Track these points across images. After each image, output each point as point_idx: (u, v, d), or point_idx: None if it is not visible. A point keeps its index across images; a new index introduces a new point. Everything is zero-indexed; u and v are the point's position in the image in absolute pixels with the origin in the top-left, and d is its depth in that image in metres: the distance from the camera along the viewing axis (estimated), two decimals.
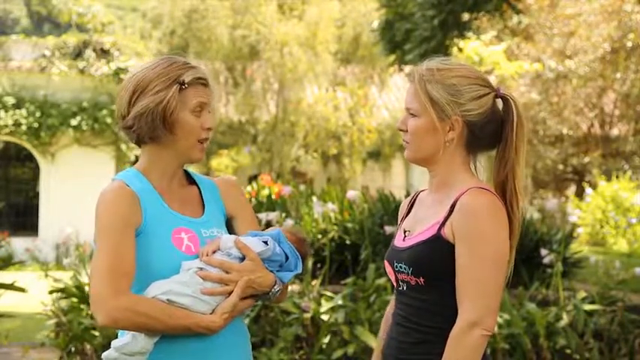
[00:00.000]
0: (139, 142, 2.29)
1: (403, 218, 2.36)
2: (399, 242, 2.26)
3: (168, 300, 2.11)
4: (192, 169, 2.46)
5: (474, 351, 2.04)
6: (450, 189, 2.19)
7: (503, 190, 2.20)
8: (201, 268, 2.17)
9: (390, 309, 2.37)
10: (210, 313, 2.15)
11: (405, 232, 2.27)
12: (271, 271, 2.24)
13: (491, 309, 2.06)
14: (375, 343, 5.44)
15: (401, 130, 2.26)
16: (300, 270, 2.30)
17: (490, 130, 2.21)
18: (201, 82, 2.28)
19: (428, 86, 2.18)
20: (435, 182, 2.25)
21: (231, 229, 2.38)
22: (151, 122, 2.22)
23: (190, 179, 2.40)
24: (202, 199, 2.36)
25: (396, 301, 2.29)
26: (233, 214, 2.40)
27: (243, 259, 2.21)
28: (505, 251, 2.11)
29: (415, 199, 2.36)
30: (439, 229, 2.13)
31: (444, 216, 2.14)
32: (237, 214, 2.40)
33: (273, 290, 2.24)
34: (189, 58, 2.34)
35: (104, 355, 2.13)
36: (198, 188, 2.38)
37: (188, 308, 2.13)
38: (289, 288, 5.93)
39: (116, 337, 2.18)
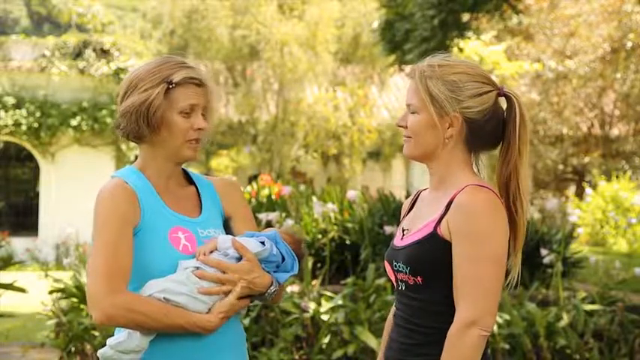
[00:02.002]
0: (131, 141, 2.29)
1: (404, 217, 2.34)
2: (397, 241, 2.25)
3: (164, 298, 2.11)
4: (191, 169, 2.46)
5: (473, 351, 2.02)
6: (449, 186, 2.17)
7: (507, 190, 2.17)
8: (198, 268, 2.16)
9: (392, 311, 2.35)
10: (207, 313, 2.15)
11: (403, 230, 2.25)
12: (268, 272, 2.24)
13: (488, 308, 2.03)
14: (375, 343, 5.46)
15: (400, 127, 2.24)
16: (296, 271, 2.30)
17: (491, 129, 2.18)
18: (193, 81, 2.25)
19: (428, 82, 2.15)
20: (434, 180, 2.23)
21: (228, 229, 2.37)
22: (134, 121, 2.21)
23: (189, 179, 2.40)
24: (200, 198, 2.35)
25: (396, 301, 2.27)
26: (231, 214, 2.39)
27: (240, 259, 2.21)
28: (503, 249, 2.08)
29: (417, 198, 2.34)
30: (435, 227, 2.11)
31: (440, 214, 2.12)
32: (235, 214, 2.39)
33: (269, 291, 2.23)
34: (187, 59, 2.32)
35: (100, 352, 2.14)
36: (197, 188, 2.38)
37: (184, 307, 2.12)
38: (289, 288, 5.96)
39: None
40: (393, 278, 2.25)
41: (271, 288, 2.23)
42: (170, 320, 2.10)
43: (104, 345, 2.14)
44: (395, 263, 2.20)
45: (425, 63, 2.20)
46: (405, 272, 2.16)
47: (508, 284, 2.20)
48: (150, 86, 2.20)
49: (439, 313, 2.11)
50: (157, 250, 2.19)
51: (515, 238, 2.17)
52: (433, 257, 2.10)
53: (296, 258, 2.31)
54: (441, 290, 2.10)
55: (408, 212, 2.33)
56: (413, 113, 2.19)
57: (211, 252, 2.20)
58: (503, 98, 2.22)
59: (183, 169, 2.39)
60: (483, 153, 2.25)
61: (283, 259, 2.28)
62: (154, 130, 2.22)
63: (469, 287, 2.04)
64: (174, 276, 2.15)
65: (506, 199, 2.17)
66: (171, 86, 2.21)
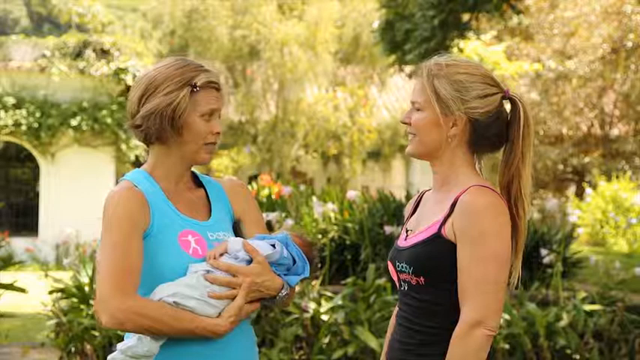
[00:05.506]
0: (147, 142, 2.29)
1: (408, 218, 2.34)
2: (401, 242, 2.25)
3: (174, 303, 2.10)
4: (193, 169, 2.45)
5: (478, 351, 2.03)
6: (452, 187, 2.18)
7: (509, 193, 2.18)
8: (208, 271, 2.15)
9: (395, 311, 2.35)
10: (217, 317, 2.14)
11: (407, 231, 2.26)
12: (278, 275, 2.23)
13: (494, 308, 2.04)
14: (375, 343, 5.46)
15: (404, 123, 2.24)
16: (307, 274, 2.29)
17: (495, 131, 2.19)
18: (214, 86, 2.26)
19: (435, 81, 2.17)
20: (437, 180, 2.24)
21: (238, 232, 2.36)
22: (159, 123, 2.20)
23: (198, 181, 2.39)
24: (209, 201, 2.35)
25: (398, 301, 2.27)
26: (241, 217, 2.38)
27: (250, 262, 2.19)
28: (507, 250, 2.09)
29: (420, 199, 2.35)
30: (439, 227, 2.12)
31: (445, 214, 2.12)
32: (244, 216, 2.39)
33: (280, 294, 2.22)
34: (203, 61, 2.33)
35: (110, 357, 2.12)
36: (206, 191, 2.37)
37: (194, 311, 2.11)
38: None
39: (117, 338, 2.17)
40: (395, 278, 2.26)
41: (282, 291, 2.23)
42: (180, 325, 2.09)
43: (106, 346, 2.14)
44: (398, 263, 2.21)
45: (432, 62, 2.21)
46: (408, 272, 2.17)
47: (508, 286, 2.20)
48: (173, 89, 2.20)
49: (441, 314, 2.12)
50: (167, 254, 2.18)
51: (517, 240, 2.18)
52: (437, 258, 2.11)
53: (307, 261, 2.31)
54: (444, 291, 2.11)
55: (412, 213, 2.33)
56: (418, 110, 2.20)
57: (222, 255, 2.19)
58: (508, 101, 2.23)
59: (192, 172, 2.38)
60: (486, 155, 2.25)
61: (294, 261, 2.27)
62: (177, 132, 2.23)
63: (474, 288, 2.05)
64: (185, 280, 2.14)
65: (507, 201, 2.18)
66: (195, 89, 2.22)
